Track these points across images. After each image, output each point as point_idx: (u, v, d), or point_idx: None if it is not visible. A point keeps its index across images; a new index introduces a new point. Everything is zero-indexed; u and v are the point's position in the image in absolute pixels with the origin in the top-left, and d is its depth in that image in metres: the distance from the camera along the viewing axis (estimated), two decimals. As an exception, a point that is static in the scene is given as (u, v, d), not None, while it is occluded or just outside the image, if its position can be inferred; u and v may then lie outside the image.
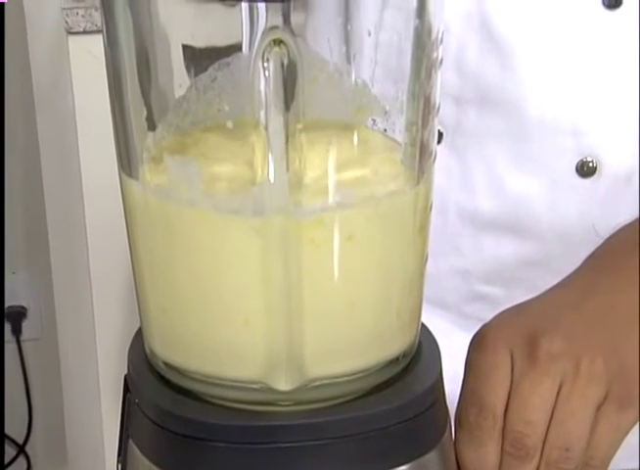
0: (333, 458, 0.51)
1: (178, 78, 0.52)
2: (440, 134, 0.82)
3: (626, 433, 0.60)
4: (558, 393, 0.59)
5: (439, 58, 0.52)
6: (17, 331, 2.03)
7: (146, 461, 0.53)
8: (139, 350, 0.55)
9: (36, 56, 1.40)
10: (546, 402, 0.59)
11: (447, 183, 0.82)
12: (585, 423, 0.59)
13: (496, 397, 0.59)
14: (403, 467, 0.52)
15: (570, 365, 0.59)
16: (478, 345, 0.61)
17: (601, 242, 0.74)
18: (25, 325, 2.03)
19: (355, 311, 0.51)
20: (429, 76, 0.51)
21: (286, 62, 0.47)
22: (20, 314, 2.03)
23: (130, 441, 0.54)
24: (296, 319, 0.50)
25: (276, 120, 0.47)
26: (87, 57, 1.26)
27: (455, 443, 0.59)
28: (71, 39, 1.29)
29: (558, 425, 0.58)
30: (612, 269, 0.68)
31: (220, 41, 0.50)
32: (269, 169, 0.48)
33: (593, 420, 0.59)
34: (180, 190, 0.49)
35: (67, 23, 1.28)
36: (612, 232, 0.77)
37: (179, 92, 0.52)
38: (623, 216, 0.80)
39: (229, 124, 0.50)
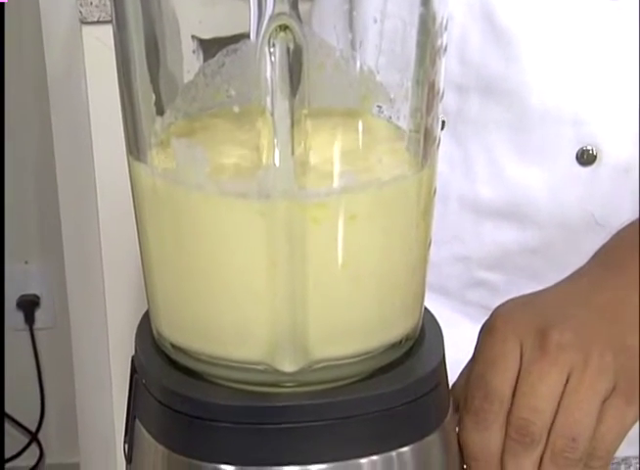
0: (336, 439, 0.52)
1: (187, 64, 0.52)
2: (442, 122, 0.82)
3: (631, 426, 0.61)
4: (566, 384, 0.59)
5: (444, 45, 0.52)
6: (30, 320, 2.04)
7: (152, 441, 0.54)
8: (146, 331, 0.56)
9: (50, 45, 1.41)
10: (554, 392, 0.59)
11: (449, 171, 0.82)
12: (592, 414, 0.59)
13: (504, 383, 0.60)
14: (405, 448, 0.53)
15: (579, 357, 0.60)
16: (488, 332, 0.62)
17: (600, 230, 0.75)
18: (38, 314, 2.04)
19: (359, 294, 0.52)
20: (433, 63, 0.52)
21: (292, 47, 0.48)
22: (33, 303, 2.03)
23: (137, 421, 0.55)
24: (300, 302, 0.50)
25: (282, 105, 0.48)
26: (101, 46, 1.27)
27: (459, 425, 0.60)
28: (85, 29, 1.30)
29: (565, 414, 0.59)
30: (618, 266, 0.68)
31: (228, 28, 0.51)
32: (275, 154, 0.49)
33: (599, 412, 0.60)
34: (187, 174, 0.50)
35: (80, 12, 1.29)
36: (609, 219, 0.78)
37: (187, 78, 0.52)
38: (623, 205, 0.81)
39: (236, 109, 0.51)
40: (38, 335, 2.05)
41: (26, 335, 2.04)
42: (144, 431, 0.54)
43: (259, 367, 0.51)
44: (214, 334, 0.52)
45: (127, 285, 1.42)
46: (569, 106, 0.79)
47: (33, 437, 2.09)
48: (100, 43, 1.29)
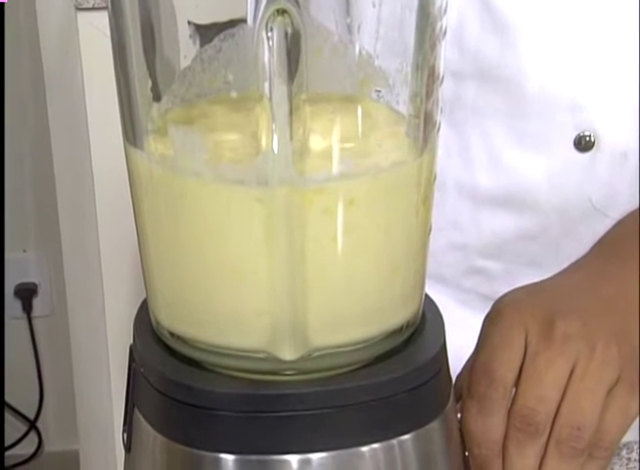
0: (337, 427, 0.51)
1: (183, 49, 0.52)
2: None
3: (635, 417, 0.61)
4: (571, 374, 0.59)
5: (444, 28, 0.52)
6: (27, 308, 2.04)
7: (151, 430, 0.53)
8: (144, 320, 0.56)
9: (46, 32, 1.40)
10: (559, 381, 0.59)
11: (446, 158, 0.82)
12: (597, 404, 0.59)
13: (508, 370, 0.60)
14: (406, 436, 0.52)
15: (585, 347, 0.60)
16: (493, 320, 0.62)
17: (598, 216, 0.75)
18: (36, 302, 2.04)
19: (359, 281, 0.51)
20: (433, 47, 0.51)
21: (290, 31, 0.47)
22: (30, 291, 2.03)
23: (135, 410, 0.55)
24: (299, 289, 0.50)
25: (280, 90, 0.47)
26: (96, 33, 1.26)
27: (462, 413, 0.60)
28: (80, 15, 1.29)
29: (570, 403, 0.59)
30: (619, 256, 0.69)
31: (225, 12, 0.50)
32: (273, 140, 0.48)
33: (604, 403, 0.59)
34: (184, 160, 0.50)
35: (76, -1, 1.28)
36: (607, 205, 0.78)
37: (184, 63, 0.52)
38: (621, 191, 0.80)
39: (233, 95, 0.50)
40: (36, 323, 2.05)
41: (24, 323, 2.04)
42: (143, 420, 0.54)
43: (259, 355, 0.51)
44: (213, 322, 0.52)
45: (125, 273, 1.42)
46: (566, 92, 0.79)
47: (32, 425, 2.09)
48: (95, 29, 1.28)
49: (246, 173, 0.49)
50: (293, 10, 0.47)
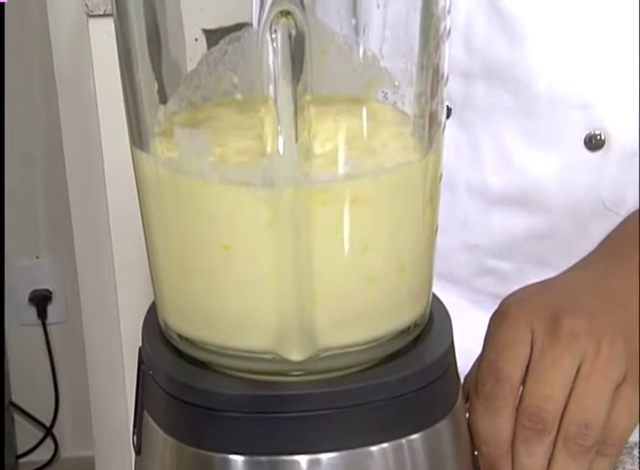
0: (344, 427, 0.51)
1: (189, 52, 0.52)
2: (449, 110, 0.82)
3: None
4: (577, 371, 0.59)
5: (447, 28, 0.52)
6: (42, 315, 2.04)
7: (160, 432, 0.53)
8: (153, 322, 0.56)
9: (57, 39, 1.41)
10: (566, 378, 0.59)
11: (456, 159, 0.82)
12: (604, 401, 0.59)
13: (514, 369, 0.60)
14: (415, 436, 0.52)
15: (591, 344, 0.60)
16: (499, 319, 0.62)
17: (609, 215, 0.74)
18: (51, 309, 2.04)
19: (366, 281, 0.51)
20: (437, 47, 0.52)
21: (294, 33, 0.47)
22: (45, 298, 2.03)
23: (145, 412, 0.55)
24: (306, 290, 0.50)
25: (284, 92, 0.48)
26: (108, 39, 1.27)
27: (470, 412, 0.60)
28: (92, 22, 1.30)
29: (577, 401, 0.59)
30: (627, 253, 0.69)
31: (231, 15, 0.51)
32: (278, 141, 0.48)
33: (611, 399, 0.59)
34: (190, 162, 0.50)
35: (87, 6, 1.28)
36: (618, 204, 0.77)
37: (190, 66, 0.52)
38: (632, 189, 0.80)
39: (239, 97, 0.51)
40: (51, 330, 2.05)
41: (39, 330, 2.05)
42: (152, 422, 0.54)
43: (267, 356, 0.51)
44: (221, 323, 0.52)
45: (139, 278, 1.42)
46: (576, 90, 0.79)
47: (48, 431, 2.09)
48: (107, 36, 1.28)
49: (251, 175, 0.49)
50: (296, 11, 0.47)
